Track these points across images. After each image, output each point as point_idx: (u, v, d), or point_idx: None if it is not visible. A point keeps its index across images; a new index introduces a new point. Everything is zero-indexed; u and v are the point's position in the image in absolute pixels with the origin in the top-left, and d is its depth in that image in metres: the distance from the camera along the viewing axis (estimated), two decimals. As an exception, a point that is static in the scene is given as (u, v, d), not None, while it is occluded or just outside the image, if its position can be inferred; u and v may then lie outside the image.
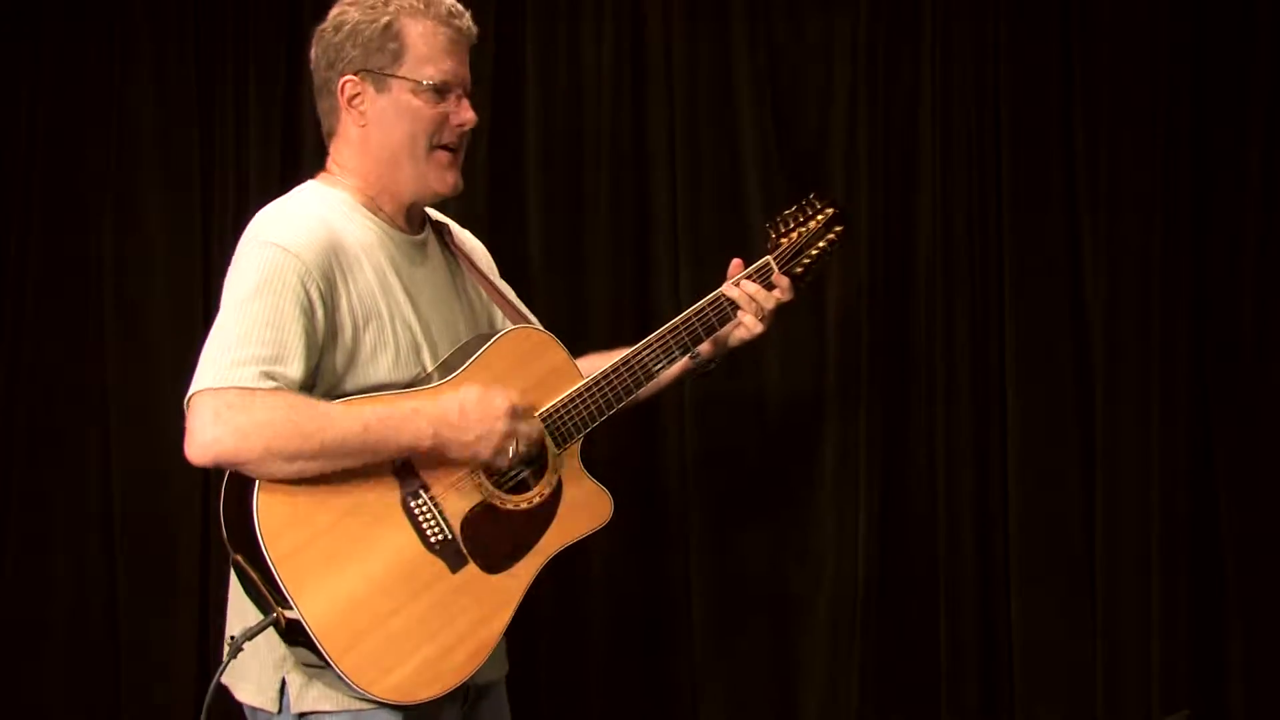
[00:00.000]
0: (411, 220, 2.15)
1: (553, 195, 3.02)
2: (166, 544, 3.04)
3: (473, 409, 1.98)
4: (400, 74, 2.05)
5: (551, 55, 3.03)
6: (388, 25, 2.04)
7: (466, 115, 2.09)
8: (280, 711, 1.99)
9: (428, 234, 2.19)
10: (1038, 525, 2.90)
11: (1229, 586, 2.86)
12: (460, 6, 2.11)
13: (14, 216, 3.09)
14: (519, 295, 2.36)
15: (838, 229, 2.38)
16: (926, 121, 2.94)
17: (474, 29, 2.12)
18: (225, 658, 1.92)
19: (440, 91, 2.07)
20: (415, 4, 2.06)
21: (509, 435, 2.01)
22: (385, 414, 1.94)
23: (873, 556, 2.92)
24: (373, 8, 2.06)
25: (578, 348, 2.23)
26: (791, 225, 2.36)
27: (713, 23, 2.99)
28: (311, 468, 1.90)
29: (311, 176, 2.14)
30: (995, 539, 2.93)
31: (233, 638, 1.93)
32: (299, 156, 3.03)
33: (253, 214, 2.96)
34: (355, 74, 2.06)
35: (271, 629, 1.92)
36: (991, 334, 2.93)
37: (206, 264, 3.05)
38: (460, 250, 2.24)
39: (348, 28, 2.06)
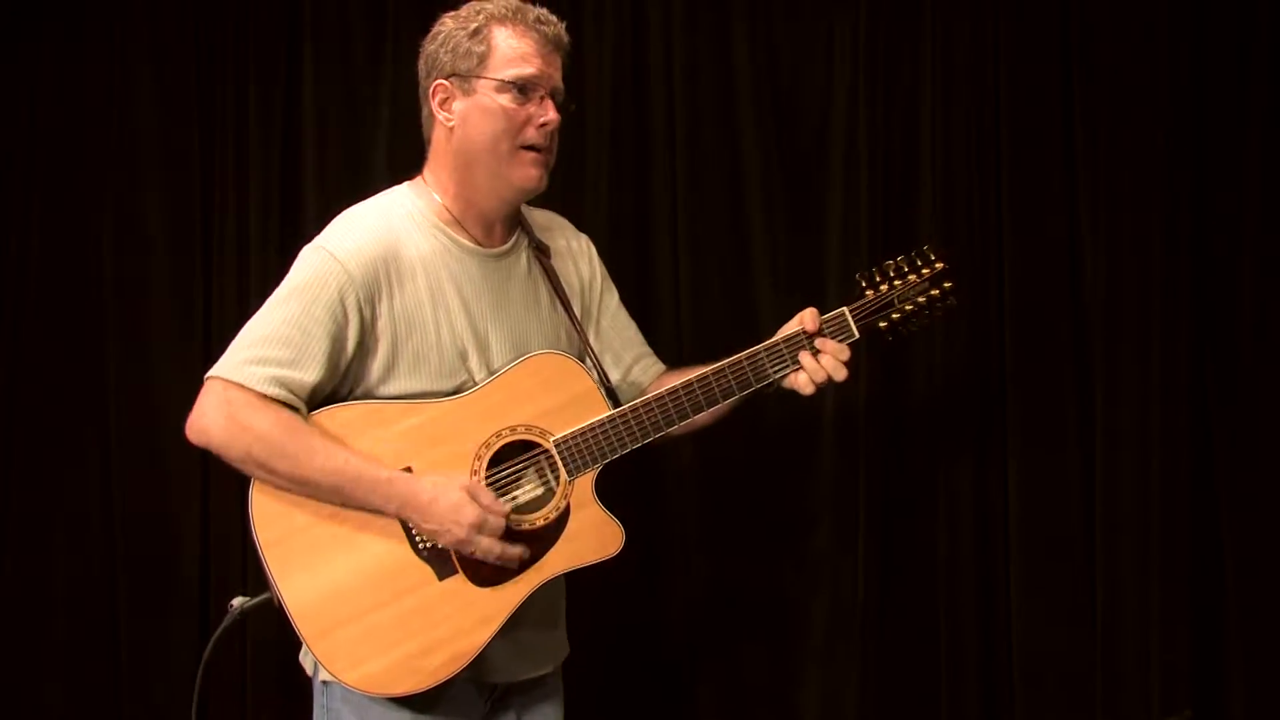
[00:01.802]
0: (491, 231, 2.19)
1: (552, 195, 3.00)
2: (166, 544, 3.04)
3: (441, 503, 2.03)
4: (485, 74, 2.11)
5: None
6: (476, 30, 2.12)
7: (549, 115, 2.13)
8: (313, 676, 2.17)
9: (514, 247, 2.22)
10: (1038, 525, 2.89)
11: (1229, 586, 2.85)
12: (551, 15, 2.17)
13: (14, 216, 3.09)
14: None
15: (946, 285, 2.20)
16: (926, 121, 2.94)
17: (564, 36, 2.18)
18: (224, 622, 2.14)
19: (524, 91, 2.12)
20: (504, 11, 2.13)
21: (466, 543, 2.04)
22: (362, 472, 2.02)
23: (872, 560, 2.91)
24: (466, 17, 2.14)
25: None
26: (890, 275, 2.21)
27: (713, 22, 2.99)
28: (282, 485, 2.02)
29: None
30: (995, 540, 2.93)
31: (232, 605, 2.11)
32: (299, 156, 3.04)
33: (252, 214, 3.02)
34: (445, 78, 2.13)
35: None
36: (992, 333, 2.93)
37: (206, 264, 3.06)
38: (552, 269, 2.26)
39: (442, 36, 2.16)
